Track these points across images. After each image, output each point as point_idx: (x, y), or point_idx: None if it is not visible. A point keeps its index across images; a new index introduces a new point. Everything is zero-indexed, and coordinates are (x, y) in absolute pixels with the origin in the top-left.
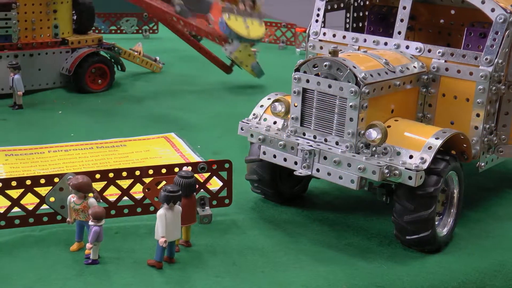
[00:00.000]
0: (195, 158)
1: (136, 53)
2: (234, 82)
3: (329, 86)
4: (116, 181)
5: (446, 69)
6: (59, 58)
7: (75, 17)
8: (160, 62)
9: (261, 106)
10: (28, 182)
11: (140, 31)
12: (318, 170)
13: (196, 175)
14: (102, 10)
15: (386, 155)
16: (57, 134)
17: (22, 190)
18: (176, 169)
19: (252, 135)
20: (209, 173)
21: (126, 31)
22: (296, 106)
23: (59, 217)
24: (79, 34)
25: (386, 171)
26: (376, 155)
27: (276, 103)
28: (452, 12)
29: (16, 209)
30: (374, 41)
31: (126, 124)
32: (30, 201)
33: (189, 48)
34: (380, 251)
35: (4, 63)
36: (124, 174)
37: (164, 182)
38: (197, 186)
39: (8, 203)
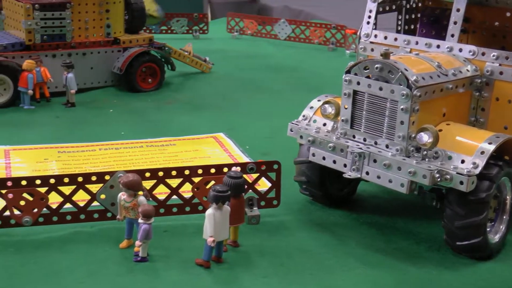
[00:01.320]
0: (243, 158)
1: (186, 53)
2: (283, 83)
3: (380, 89)
4: (166, 180)
5: (501, 73)
6: (110, 57)
7: (127, 17)
8: (209, 62)
9: (311, 107)
10: (80, 179)
11: (190, 32)
12: (367, 173)
13: (245, 176)
14: None
15: (437, 159)
16: (108, 132)
17: (74, 186)
18: (225, 169)
19: (301, 137)
20: (258, 174)
21: (176, 31)
22: (346, 108)
23: (109, 214)
24: (131, 34)
25: (437, 175)
26: (427, 159)
27: (326, 105)
28: (508, 14)
29: (68, 205)
30: (426, 44)
31: (175, 123)
32: (81, 197)
33: (239, 48)
34: (429, 256)
35: (58, 62)
36: (174, 173)
37: (213, 182)
38: (245, 186)
39: (61, 199)
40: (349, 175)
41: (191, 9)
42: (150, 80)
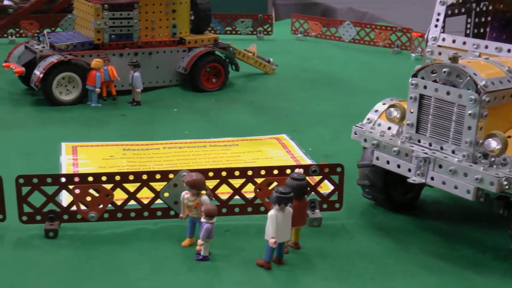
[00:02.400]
0: (306, 160)
1: (250, 54)
2: (347, 86)
3: (448, 93)
4: (229, 180)
5: None
6: (176, 57)
7: (192, 17)
8: (273, 64)
9: (376, 111)
10: (145, 177)
11: (255, 33)
12: (432, 179)
13: (307, 178)
14: (218, 11)
15: (506, 166)
16: (172, 131)
17: (138, 184)
18: (288, 171)
19: (365, 140)
20: (321, 177)
21: (241, 32)
22: (412, 112)
23: (172, 213)
24: (196, 34)
25: (505, 182)
26: (494, 166)
27: (392, 109)
28: None
29: (132, 202)
30: (496, 48)
31: (238, 124)
32: (145, 195)
33: (303, 50)
34: (495, 265)
35: (125, 61)
36: (237, 173)
37: (275, 183)
38: (308, 188)
39: (125, 196)
40: (414, 180)
41: (255, 10)
42: (214, 80)
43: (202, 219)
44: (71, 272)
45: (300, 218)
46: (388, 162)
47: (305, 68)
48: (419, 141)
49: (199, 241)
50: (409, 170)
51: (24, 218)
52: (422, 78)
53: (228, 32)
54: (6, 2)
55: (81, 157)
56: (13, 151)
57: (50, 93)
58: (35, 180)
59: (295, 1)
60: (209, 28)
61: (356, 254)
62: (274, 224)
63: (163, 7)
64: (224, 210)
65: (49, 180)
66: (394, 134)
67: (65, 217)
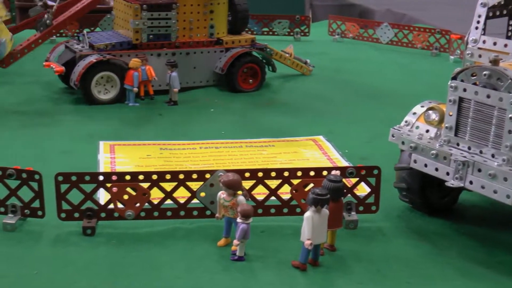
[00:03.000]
0: (342, 162)
1: (287, 55)
2: (383, 88)
3: (488, 96)
4: (265, 180)
5: None
6: (213, 57)
7: (230, 18)
8: (310, 65)
9: (414, 113)
10: (181, 176)
11: (292, 34)
12: (471, 183)
13: (344, 180)
14: (255, 12)
15: None
16: (209, 131)
17: (175, 183)
18: (325, 173)
19: (403, 143)
20: (357, 179)
21: (278, 33)
22: (451, 115)
23: (208, 212)
24: (233, 35)
25: None
26: None
27: (430, 111)
28: None
29: (168, 201)
30: None
31: (274, 125)
32: (182, 194)
33: (340, 51)
34: None
35: (162, 61)
36: (273, 174)
37: (311, 185)
38: (345, 190)
39: (162, 195)
40: (452, 184)
41: (293, 11)
42: (251, 80)
43: (238, 219)
44: (107, 270)
45: (336, 220)
46: (425, 165)
47: (342, 70)
48: (457, 144)
49: (235, 241)
50: (447, 174)
51: (63, 215)
52: (462, 80)
53: (265, 33)
54: (49, 3)
55: (118, 155)
56: (53, 148)
57: (89, 92)
58: (73, 178)
59: (332, 2)
60: (246, 29)
61: (392, 257)
62: (310, 225)
63: (201, 8)
64: (260, 211)
65: (87, 178)
66: (432, 137)
67: (103, 215)
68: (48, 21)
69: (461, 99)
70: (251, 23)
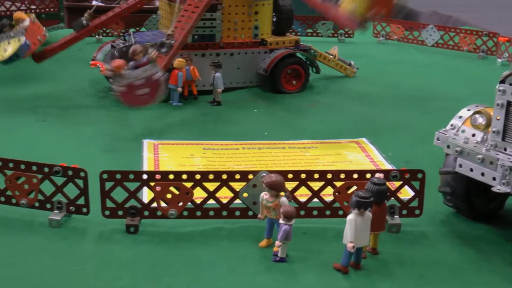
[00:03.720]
0: (386, 165)
1: (331, 57)
2: (429, 91)
3: None
4: (308, 182)
5: None
6: (257, 58)
7: (274, 19)
8: (354, 67)
9: (460, 117)
10: (224, 176)
11: (336, 35)
12: None
13: (387, 183)
14: (299, 13)
15: None
16: (251, 132)
17: (218, 183)
18: (368, 175)
19: (448, 146)
20: (401, 182)
21: (322, 34)
22: (498, 120)
23: (250, 213)
24: (277, 36)
25: None
26: None
27: (477, 115)
28: None
29: (211, 201)
30: None
31: (318, 126)
32: (224, 194)
33: (384, 53)
34: None
35: (207, 61)
36: (316, 176)
37: (355, 187)
38: (388, 194)
39: (205, 194)
40: (498, 189)
41: None
42: (294, 82)
43: (281, 221)
44: (150, 268)
45: (379, 223)
46: (471, 170)
47: (386, 72)
48: (505, 149)
49: (277, 243)
50: (494, 179)
51: (107, 212)
52: (510, 84)
53: (309, 34)
54: (94, 2)
55: (162, 155)
56: (97, 146)
57: None
58: (118, 176)
59: None
60: (290, 30)
61: (435, 262)
62: (353, 228)
63: (245, 9)
64: (302, 212)
65: (131, 176)
66: (478, 141)
67: (146, 213)
68: (85, 22)
69: (509, 103)
70: (295, 24)
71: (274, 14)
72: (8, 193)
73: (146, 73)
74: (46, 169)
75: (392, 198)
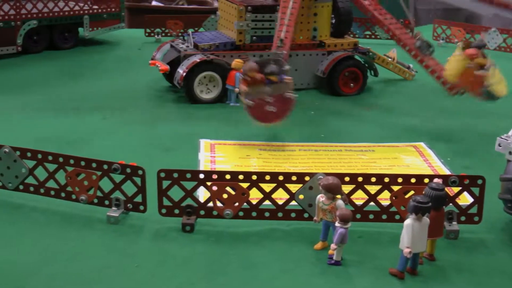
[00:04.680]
0: (444, 170)
1: (390, 59)
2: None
3: None
4: (364, 185)
5: None
6: (315, 60)
7: (333, 21)
8: (413, 70)
9: None
10: (281, 177)
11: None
12: None
13: (446, 189)
14: (358, 15)
15: None
16: (308, 134)
17: (274, 185)
18: (426, 180)
19: (510, 153)
20: (460, 188)
21: (380, 37)
22: None
23: (306, 215)
24: (336, 38)
25: None
26: None
27: None
28: None
29: (267, 202)
30: None
31: (375, 129)
32: (280, 196)
33: (444, 57)
34: None
35: None
36: (373, 179)
37: (412, 192)
38: (446, 199)
39: (260, 195)
40: None
41: (396, 14)
42: (352, 84)
43: (337, 224)
44: (205, 266)
45: (437, 229)
46: None
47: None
48: None
49: (332, 245)
50: None
51: (163, 211)
52: None
53: (367, 36)
54: (154, 3)
55: (218, 154)
56: (155, 145)
57: (192, 91)
58: (175, 175)
59: (437, 6)
60: (349, 32)
61: (495, 270)
62: (410, 233)
63: (304, 10)
64: (358, 216)
65: (188, 175)
66: None
67: (202, 212)
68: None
69: None
70: (354, 26)
71: (333, 15)
72: (69, 189)
73: (279, 91)
74: (105, 167)
75: (451, 204)
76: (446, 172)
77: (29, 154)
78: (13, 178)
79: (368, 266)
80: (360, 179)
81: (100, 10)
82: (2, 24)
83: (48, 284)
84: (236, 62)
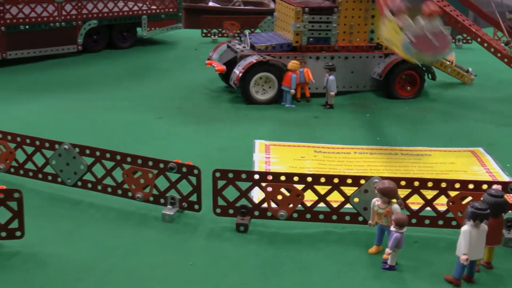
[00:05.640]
0: (503, 177)
1: (448, 63)
2: None
3: None
4: (421, 190)
5: None
6: (371, 63)
7: None
8: (472, 74)
9: None
10: (336, 180)
11: (453, 41)
12: None
13: (505, 195)
14: None
15: None
16: (364, 137)
17: (329, 187)
18: (485, 186)
19: None
20: None
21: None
22: None
23: (360, 218)
24: None
25: None
26: None
27: None
28: None
29: (321, 204)
30: None
31: (431, 134)
32: (335, 198)
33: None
34: None
35: (320, 64)
36: (430, 184)
37: (470, 198)
38: (506, 206)
39: (315, 197)
40: None
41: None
42: (408, 88)
43: (392, 228)
44: (258, 267)
45: (495, 237)
46: None
47: (505, 80)
48: None
49: (387, 250)
50: None
51: (218, 210)
52: None
53: None
54: (210, 3)
55: (273, 155)
56: (211, 144)
57: (247, 91)
58: (230, 175)
59: (498, 9)
60: None
61: None
62: (467, 240)
63: (362, 12)
64: (414, 221)
65: (243, 176)
66: None
67: (256, 213)
68: None
69: None
70: None
71: None
72: (125, 186)
73: (435, 29)
74: (162, 165)
75: (510, 211)
76: (505, 178)
77: (87, 151)
78: (72, 175)
79: (423, 272)
80: (416, 183)
81: (158, 10)
82: (64, 24)
83: (105, 278)
84: (292, 64)
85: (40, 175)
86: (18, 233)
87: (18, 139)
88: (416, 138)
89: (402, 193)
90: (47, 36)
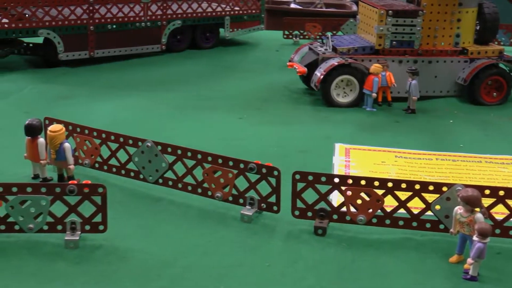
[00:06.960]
0: None
1: None
2: None
3: None
4: (506, 200)
5: None
6: (456, 67)
7: (477, 27)
8: None
9: None
10: (417, 186)
11: None
12: None
13: None
14: (504, 21)
15: None
16: (446, 143)
17: (410, 193)
18: None
19: None
20: None
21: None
22: None
23: (441, 226)
24: (480, 45)
25: None
26: None
27: None
28: None
29: (401, 210)
30: None
31: None
32: (415, 205)
33: None
34: None
35: (403, 68)
36: None
37: None
38: None
39: (395, 203)
40: None
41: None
42: (494, 94)
43: (475, 238)
44: (336, 271)
45: None
46: None
47: None
48: None
49: (469, 260)
50: None
51: (296, 212)
52: None
53: None
54: (292, 5)
55: (353, 159)
56: (290, 146)
57: (328, 94)
58: (310, 178)
59: None
60: (493, 39)
61: None
62: None
63: (448, 16)
64: (497, 231)
65: (323, 179)
66: None
67: (335, 216)
68: None
69: None
70: (499, 33)
71: (477, 21)
72: (205, 185)
73: None
74: (242, 165)
75: None
76: None
77: (169, 150)
78: (153, 172)
79: (507, 284)
80: (501, 192)
81: (240, 12)
82: (149, 24)
83: (183, 275)
84: (374, 67)
85: (123, 171)
86: (101, 227)
87: (103, 135)
88: (501, 146)
89: (486, 202)
90: (132, 35)
